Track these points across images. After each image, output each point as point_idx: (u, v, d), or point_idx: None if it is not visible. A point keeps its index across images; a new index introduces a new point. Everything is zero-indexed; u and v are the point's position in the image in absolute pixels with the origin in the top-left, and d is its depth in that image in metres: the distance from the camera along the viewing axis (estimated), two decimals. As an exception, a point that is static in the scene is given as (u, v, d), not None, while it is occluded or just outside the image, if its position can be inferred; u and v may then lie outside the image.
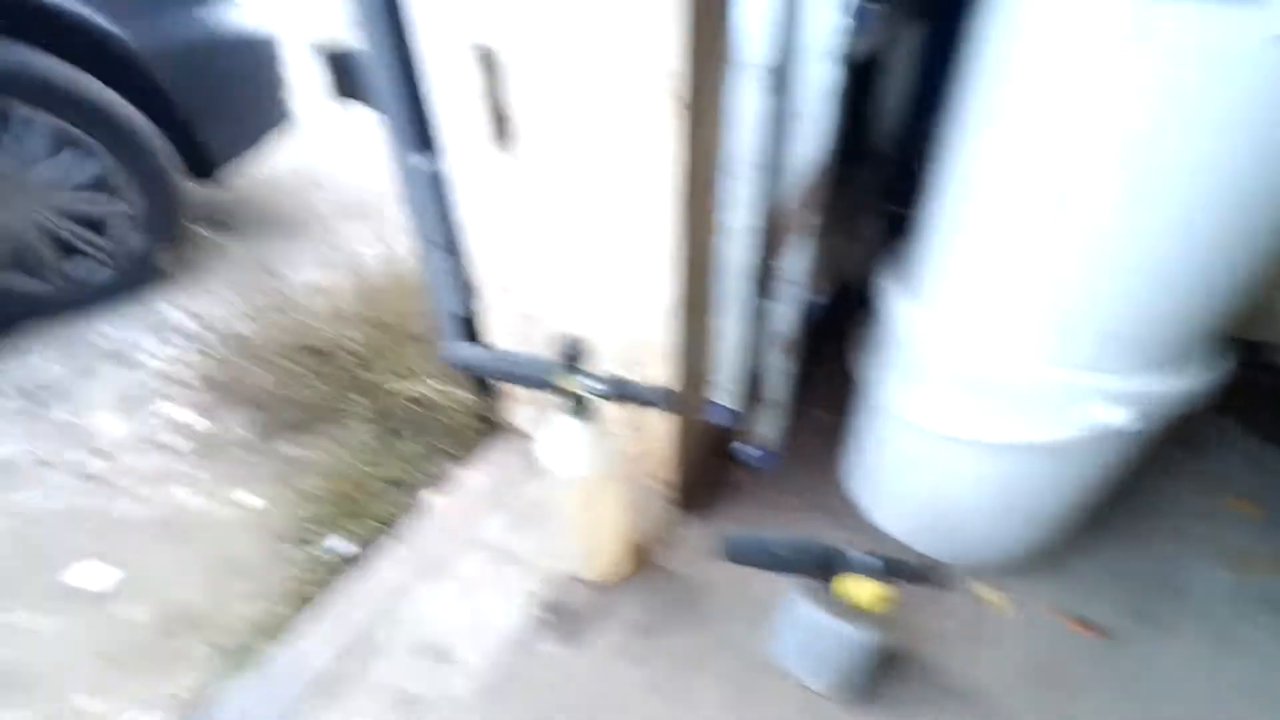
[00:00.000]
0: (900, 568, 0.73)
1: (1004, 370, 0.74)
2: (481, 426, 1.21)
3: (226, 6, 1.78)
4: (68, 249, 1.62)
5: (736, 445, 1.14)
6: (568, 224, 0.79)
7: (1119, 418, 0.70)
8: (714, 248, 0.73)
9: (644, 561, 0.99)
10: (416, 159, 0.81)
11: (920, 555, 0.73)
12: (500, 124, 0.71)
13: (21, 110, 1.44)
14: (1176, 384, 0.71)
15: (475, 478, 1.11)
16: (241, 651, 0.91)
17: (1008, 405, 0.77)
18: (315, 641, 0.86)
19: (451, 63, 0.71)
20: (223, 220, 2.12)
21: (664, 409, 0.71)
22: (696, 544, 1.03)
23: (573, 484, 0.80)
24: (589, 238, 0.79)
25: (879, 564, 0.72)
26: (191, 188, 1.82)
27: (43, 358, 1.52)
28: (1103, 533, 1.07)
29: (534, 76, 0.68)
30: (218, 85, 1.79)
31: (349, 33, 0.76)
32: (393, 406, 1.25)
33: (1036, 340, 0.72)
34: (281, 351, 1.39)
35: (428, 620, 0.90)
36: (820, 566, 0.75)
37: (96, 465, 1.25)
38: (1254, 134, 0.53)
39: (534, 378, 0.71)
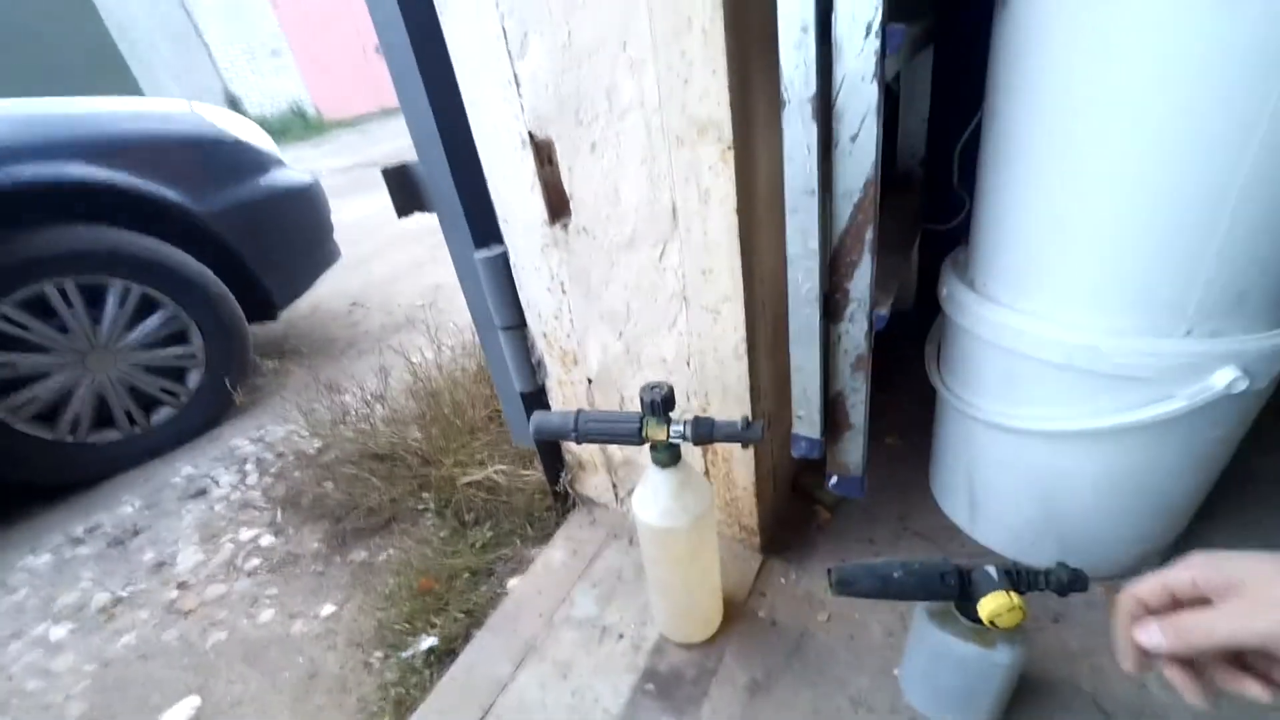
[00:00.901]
0: (1035, 578, 0.68)
1: (1103, 351, 0.73)
2: (553, 504, 1.21)
3: (279, 167, 2.02)
4: (148, 400, 1.74)
5: (815, 482, 1.12)
6: (629, 282, 0.84)
7: (1232, 380, 0.68)
8: (779, 279, 0.76)
9: (738, 614, 0.95)
10: (481, 251, 0.88)
11: (1054, 563, 0.68)
12: (556, 200, 0.79)
13: (115, 284, 1.61)
14: None
15: (554, 555, 1.09)
16: (343, 769, 0.87)
17: (1112, 387, 0.75)
18: (418, 747, 0.82)
19: (506, 155, 0.80)
20: (282, 350, 2.27)
21: (754, 440, 0.71)
22: (790, 590, 0.98)
23: (671, 537, 0.78)
24: (652, 292, 0.83)
25: (1009, 575, 0.68)
26: (260, 327, 1.98)
27: (129, 504, 1.58)
28: (1215, 523, 0.99)
29: (582, 150, 0.76)
30: (276, 238, 1.99)
31: (411, 153, 0.86)
32: (462, 498, 1.26)
33: (1133, 313, 0.71)
34: (348, 462, 1.44)
35: (532, 708, 0.85)
36: (942, 588, 0.70)
37: (182, 599, 1.26)
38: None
39: (623, 431, 0.71)
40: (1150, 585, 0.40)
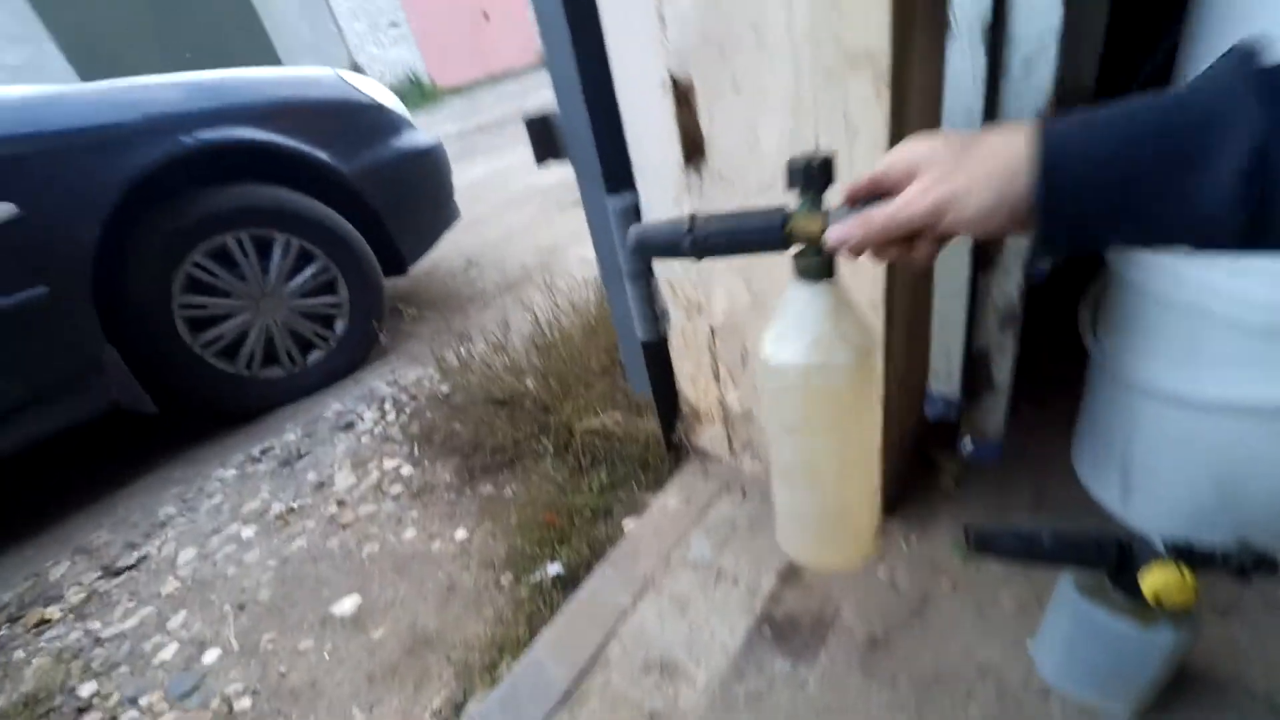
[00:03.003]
0: (1209, 557, 0.62)
1: None
2: (667, 454, 1.24)
3: (409, 130, 2.16)
4: (304, 343, 1.98)
5: (941, 450, 1.07)
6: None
7: None
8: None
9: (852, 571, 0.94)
10: (614, 198, 0.91)
11: (1236, 542, 0.61)
12: (692, 145, 0.79)
13: (279, 236, 1.82)
14: None
15: (669, 501, 1.13)
16: (483, 669, 0.98)
17: None
18: (552, 659, 0.91)
19: (646, 99, 0.81)
20: (412, 303, 2.48)
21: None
22: (912, 553, 0.95)
23: (826, 381, 0.49)
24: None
25: (1179, 550, 0.62)
26: (387, 282, 2.17)
27: (292, 433, 1.82)
28: None
29: (724, 90, 0.75)
30: (409, 196, 2.15)
31: (550, 102, 0.89)
32: (579, 443, 1.33)
33: None
34: (474, 405, 1.56)
35: (652, 637, 0.91)
36: (1098, 556, 0.66)
37: (341, 514, 1.45)
38: None
39: (757, 229, 0.45)
40: (861, 179, 0.40)
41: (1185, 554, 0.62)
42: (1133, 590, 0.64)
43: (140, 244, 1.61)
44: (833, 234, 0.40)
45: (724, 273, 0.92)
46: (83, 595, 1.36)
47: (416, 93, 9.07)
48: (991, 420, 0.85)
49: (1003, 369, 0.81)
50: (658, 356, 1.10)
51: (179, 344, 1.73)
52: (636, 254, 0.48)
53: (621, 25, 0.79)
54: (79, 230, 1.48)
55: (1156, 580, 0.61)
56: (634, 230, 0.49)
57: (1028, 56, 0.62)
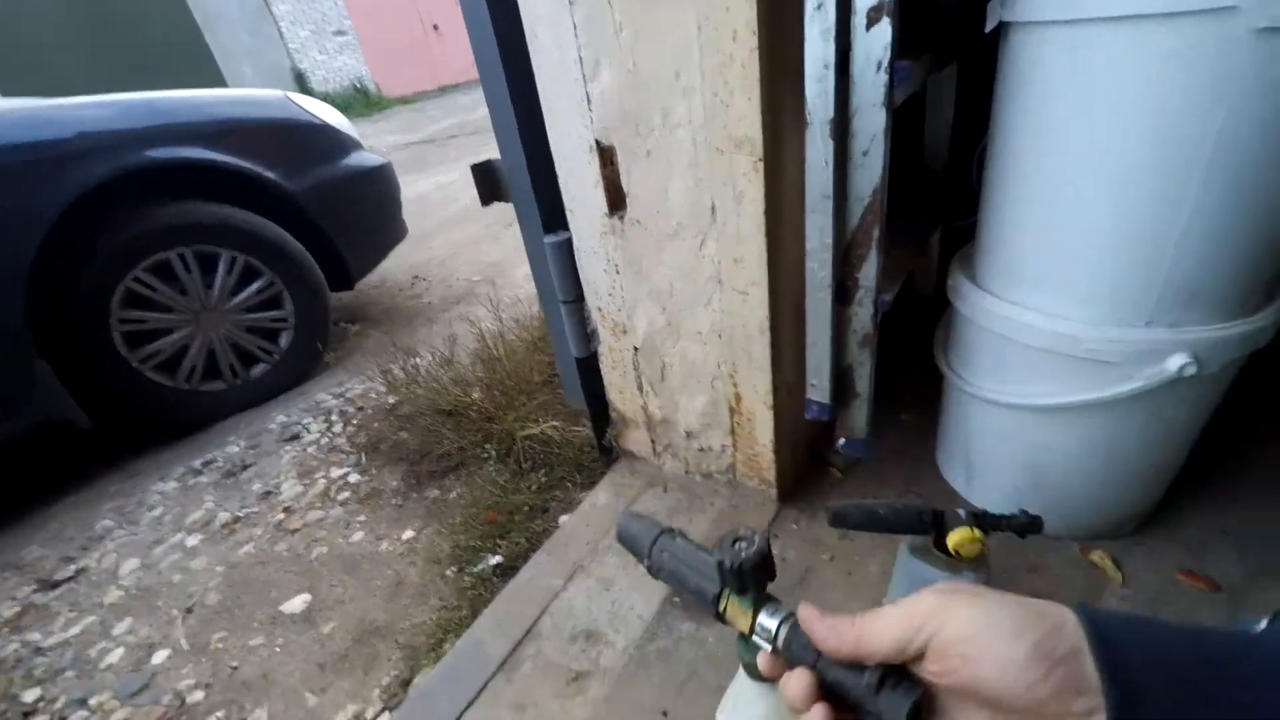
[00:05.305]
0: (997, 520, 0.83)
1: (1078, 338, 0.85)
2: (599, 456, 1.40)
3: (357, 149, 2.25)
4: (247, 357, 2.01)
5: (831, 449, 1.27)
6: (673, 266, 1.01)
7: (1183, 364, 0.80)
8: (800, 268, 0.92)
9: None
10: (550, 236, 1.06)
11: (1019, 510, 0.83)
12: (615, 197, 0.95)
13: (224, 252, 1.87)
14: (1235, 329, 0.81)
15: (600, 497, 1.28)
16: (428, 649, 1.09)
17: (1085, 369, 0.87)
18: (490, 635, 1.03)
19: (576, 157, 0.97)
20: (359, 317, 2.53)
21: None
22: (800, 533, 1.14)
23: None
24: (692, 275, 1.00)
25: (975, 516, 0.83)
26: (333, 296, 2.23)
27: (235, 445, 1.86)
28: (1206, 495, 1.10)
29: (639, 156, 0.92)
30: (356, 214, 2.22)
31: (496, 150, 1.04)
32: (520, 448, 1.46)
33: (1105, 306, 0.84)
34: (421, 415, 1.66)
35: (579, 613, 1.05)
36: (919, 524, 0.85)
37: (288, 520, 1.51)
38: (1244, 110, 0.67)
39: (695, 589, 0.42)
40: (845, 629, 0.33)
41: (979, 519, 0.83)
42: (945, 549, 0.84)
43: (80, 261, 1.63)
44: (788, 681, 0.34)
45: (644, 299, 1.09)
46: (17, 609, 1.37)
47: (362, 101, 8.95)
48: (857, 422, 1.05)
49: (863, 380, 1.01)
50: (590, 370, 1.26)
51: (115, 358, 1.74)
52: (620, 539, 0.47)
53: (555, 98, 0.95)
54: (13, 249, 1.49)
55: (956, 538, 0.81)
56: (621, 521, 0.48)
57: (864, 148, 0.82)
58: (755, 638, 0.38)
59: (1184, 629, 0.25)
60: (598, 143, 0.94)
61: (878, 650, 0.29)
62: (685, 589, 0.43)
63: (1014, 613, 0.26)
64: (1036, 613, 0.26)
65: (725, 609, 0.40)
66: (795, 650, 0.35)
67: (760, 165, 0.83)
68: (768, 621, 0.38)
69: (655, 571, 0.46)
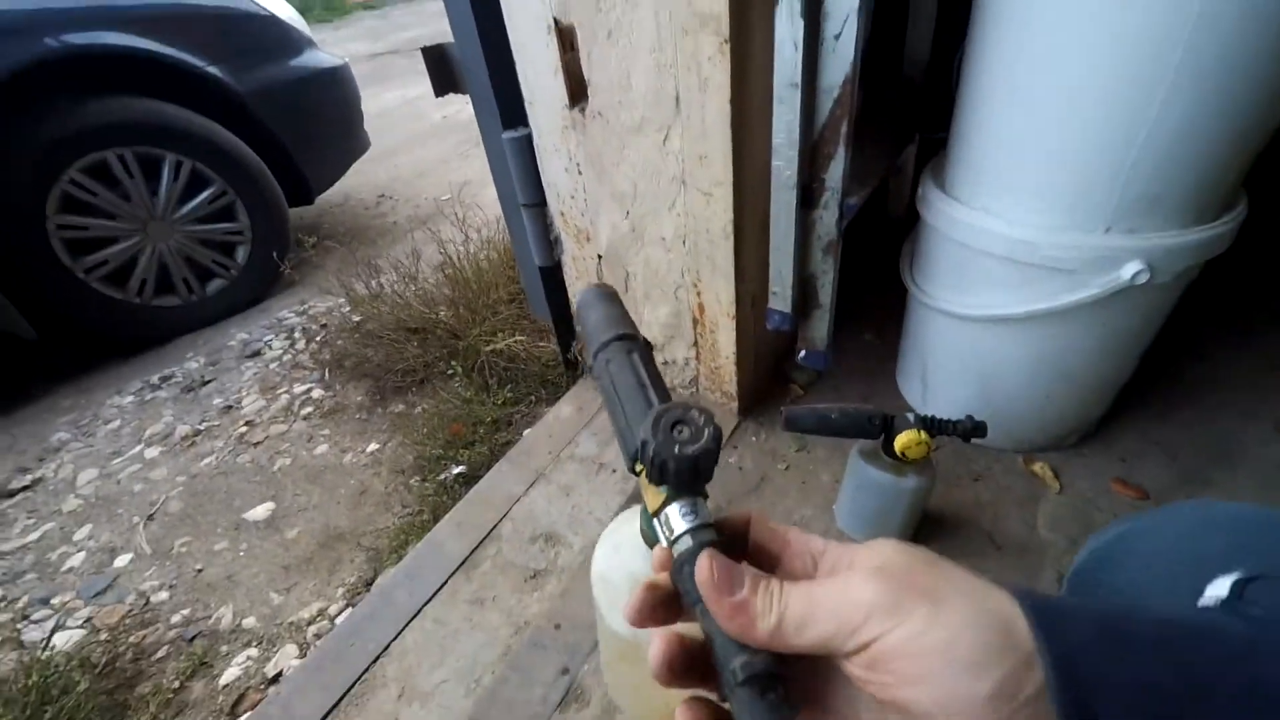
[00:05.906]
0: (944, 424, 0.85)
1: (1037, 244, 0.84)
2: (564, 371, 1.39)
3: (311, 49, 2.08)
4: (203, 272, 1.93)
5: (792, 365, 1.28)
6: (637, 164, 0.96)
7: (1136, 271, 0.80)
8: (768, 169, 0.88)
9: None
10: (509, 132, 1.00)
11: (964, 416, 0.84)
12: (576, 87, 0.89)
13: (169, 157, 1.75)
14: (1189, 237, 0.80)
15: (564, 409, 1.28)
16: (391, 551, 1.11)
17: (1042, 277, 0.87)
18: (451, 538, 1.05)
19: (534, 40, 0.90)
20: (319, 233, 2.43)
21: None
22: (759, 445, 1.17)
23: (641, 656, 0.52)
24: (655, 174, 0.96)
25: (923, 420, 0.84)
26: (294, 212, 2.12)
27: (194, 360, 1.81)
28: (1147, 410, 1.14)
29: (600, 36, 0.86)
30: (312, 121, 2.08)
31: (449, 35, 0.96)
32: (486, 363, 1.45)
33: (1065, 212, 0.82)
34: (386, 332, 1.63)
35: (539, 516, 1.07)
36: (869, 427, 0.87)
37: (250, 434, 1.50)
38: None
39: (626, 440, 0.34)
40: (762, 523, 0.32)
41: (926, 423, 0.85)
42: (892, 453, 0.86)
43: (4, 157, 1.51)
44: (699, 571, 0.26)
45: (607, 202, 1.04)
46: (-28, 517, 1.35)
47: (322, 4, 8.26)
48: (818, 333, 1.05)
49: (826, 290, 1.00)
50: (554, 281, 1.23)
51: (58, 267, 1.65)
52: (575, 309, 0.34)
53: (509, -33, 0.87)
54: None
55: (902, 440, 0.83)
56: (583, 294, 0.42)
57: (836, 31, 0.77)
58: (657, 524, 0.31)
59: (1167, 648, 0.23)
60: (556, 21, 0.86)
61: (795, 645, 0.24)
62: (613, 423, 0.36)
63: (974, 637, 0.22)
64: (1001, 635, 0.22)
65: (640, 472, 0.33)
66: (685, 580, 0.27)
67: (726, 47, 0.77)
68: (675, 521, 0.30)
69: (595, 378, 0.41)
